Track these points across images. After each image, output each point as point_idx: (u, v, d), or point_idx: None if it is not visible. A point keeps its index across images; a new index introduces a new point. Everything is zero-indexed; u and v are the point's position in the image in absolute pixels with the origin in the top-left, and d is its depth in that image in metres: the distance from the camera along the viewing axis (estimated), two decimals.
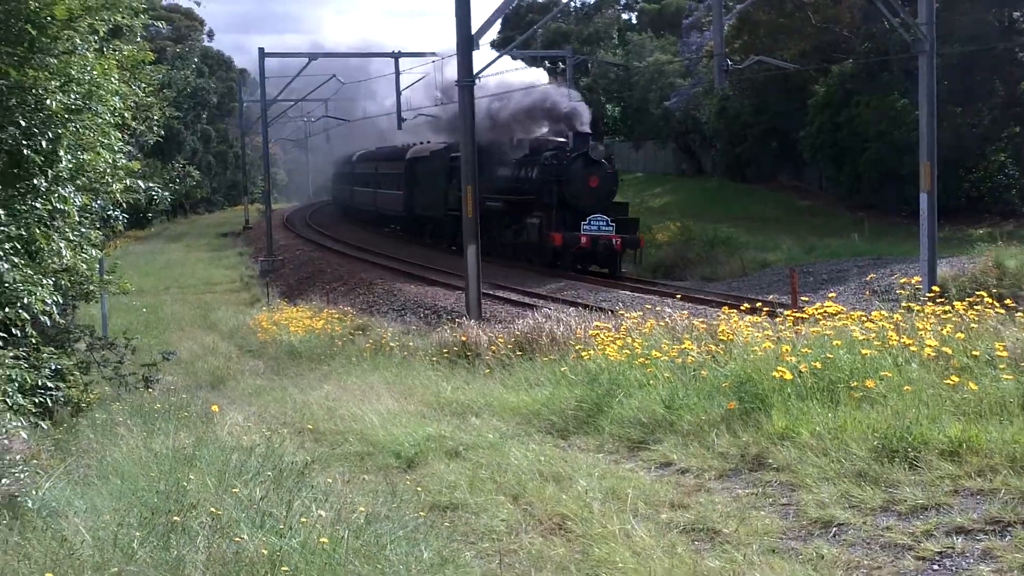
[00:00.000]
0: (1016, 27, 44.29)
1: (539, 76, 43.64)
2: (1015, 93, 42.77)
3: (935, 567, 5.86)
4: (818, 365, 9.18)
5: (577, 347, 13.05)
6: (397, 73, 45.67)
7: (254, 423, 11.65)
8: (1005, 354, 8.60)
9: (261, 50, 47.94)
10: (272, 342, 22.01)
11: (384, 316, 25.71)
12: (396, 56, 46.03)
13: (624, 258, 35.12)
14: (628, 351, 11.63)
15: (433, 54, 44.47)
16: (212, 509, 7.13)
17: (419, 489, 8.59)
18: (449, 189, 41.77)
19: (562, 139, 37.79)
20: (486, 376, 13.59)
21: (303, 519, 7.10)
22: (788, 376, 8.98)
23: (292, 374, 17.00)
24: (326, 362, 17.53)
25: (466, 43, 22.84)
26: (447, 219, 42.98)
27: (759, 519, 6.93)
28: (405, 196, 49.56)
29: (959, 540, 6.07)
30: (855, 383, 8.65)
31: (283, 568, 6.23)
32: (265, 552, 6.39)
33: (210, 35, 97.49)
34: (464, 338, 16.30)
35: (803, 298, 13.93)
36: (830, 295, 12.68)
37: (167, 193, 15.57)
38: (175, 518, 6.97)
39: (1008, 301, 10.72)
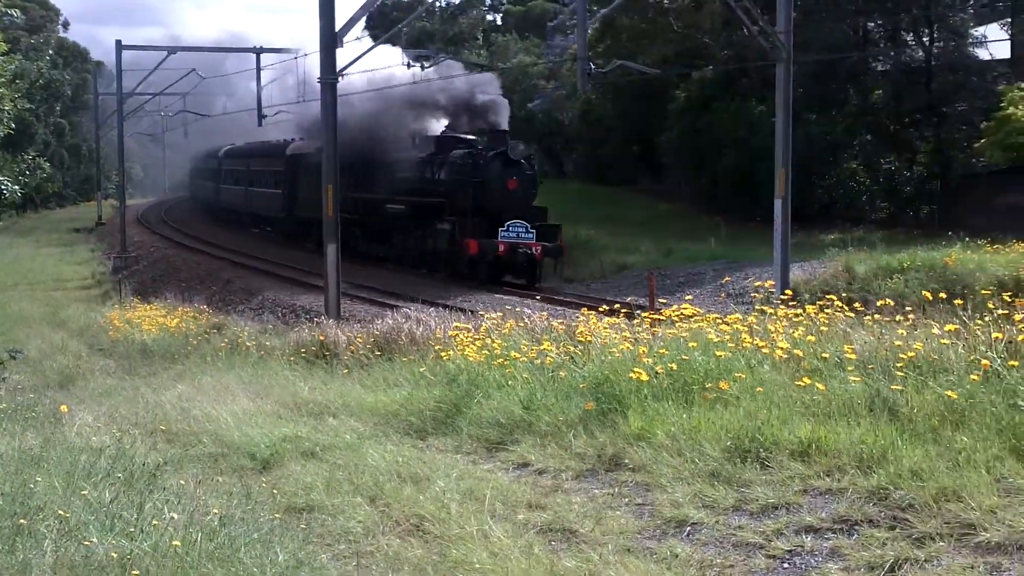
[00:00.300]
0: (869, 37, 45.57)
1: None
2: (867, 102, 44.01)
3: (785, 565, 5.97)
4: (674, 367, 9.29)
5: (436, 347, 13.02)
6: (258, 69, 45.08)
7: (104, 424, 11.35)
8: (853, 356, 8.80)
9: (118, 42, 47.02)
10: (124, 341, 21.51)
11: (241, 315, 25.36)
12: (257, 52, 45.45)
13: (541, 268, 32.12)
14: (487, 352, 11.63)
15: (296, 50, 43.76)
16: (60, 512, 6.91)
17: (274, 491, 8.46)
18: (343, 189, 39.10)
19: (471, 136, 35.42)
20: (344, 376, 13.47)
21: (155, 522, 6.92)
22: (644, 377, 9.07)
23: (145, 373, 16.64)
24: (180, 361, 17.22)
25: (329, 40, 22.67)
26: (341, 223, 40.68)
27: (615, 519, 6.98)
28: (285, 196, 46.63)
29: (808, 539, 6.19)
30: (709, 384, 8.78)
31: (134, 572, 6.07)
32: (115, 556, 6.22)
33: (65, 26, 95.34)
34: (322, 338, 16.15)
35: (660, 300, 14.12)
36: (687, 297, 12.89)
37: (17, 187, 15.13)
38: (21, 521, 6.74)
39: (857, 305, 10.99)
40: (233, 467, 9.50)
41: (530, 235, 30.94)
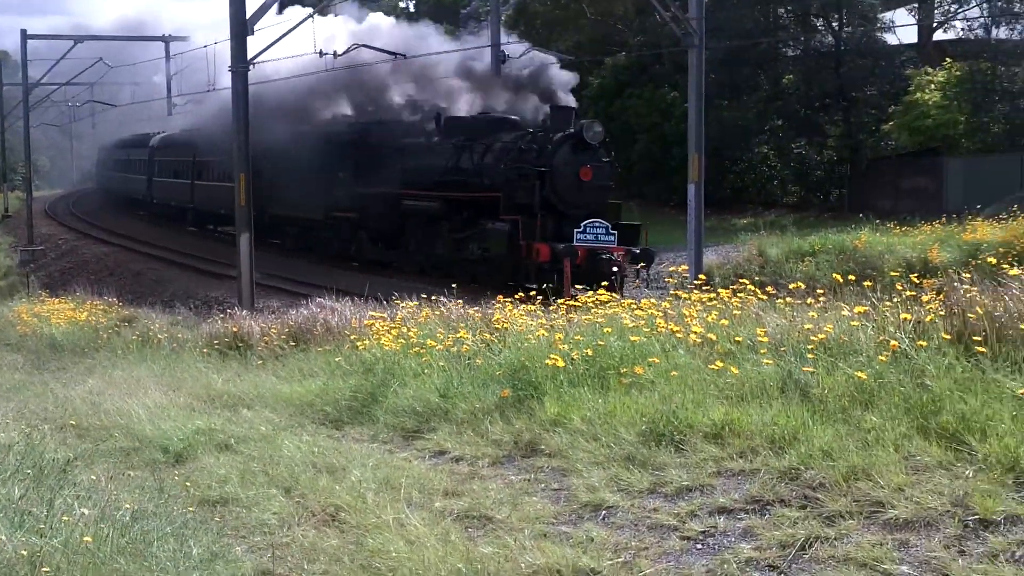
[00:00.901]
0: (780, 23, 46.10)
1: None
2: (778, 87, 44.55)
3: (699, 546, 6.02)
4: (589, 352, 9.32)
5: (352, 337, 12.96)
6: (168, 58, 44.50)
7: (12, 419, 11.16)
8: (766, 339, 8.89)
9: (23, 32, 46.31)
10: (33, 335, 21.18)
11: (153, 307, 25.02)
12: (167, 40, 44.86)
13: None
14: (403, 340, 11.60)
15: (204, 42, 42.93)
16: None
17: (188, 484, 8.38)
18: (336, 182, 33.42)
19: (512, 116, 29.26)
20: (259, 367, 13.37)
21: (65, 518, 6.81)
22: (560, 363, 9.10)
23: (54, 368, 16.40)
24: (90, 355, 16.99)
25: (240, 27, 22.41)
26: (328, 222, 34.62)
27: (531, 504, 7.00)
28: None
29: (721, 519, 6.25)
30: (624, 369, 8.82)
31: (44, 569, 5.97)
32: (25, 553, 6.10)
33: None
34: (235, 329, 16.00)
35: (576, 286, 14.17)
36: (603, 283, 12.94)
37: None
38: None
39: (769, 288, 11.10)
40: (145, 461, 9.40)
41: (611, 237, 24.83)
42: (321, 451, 8.80)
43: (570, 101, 28.03)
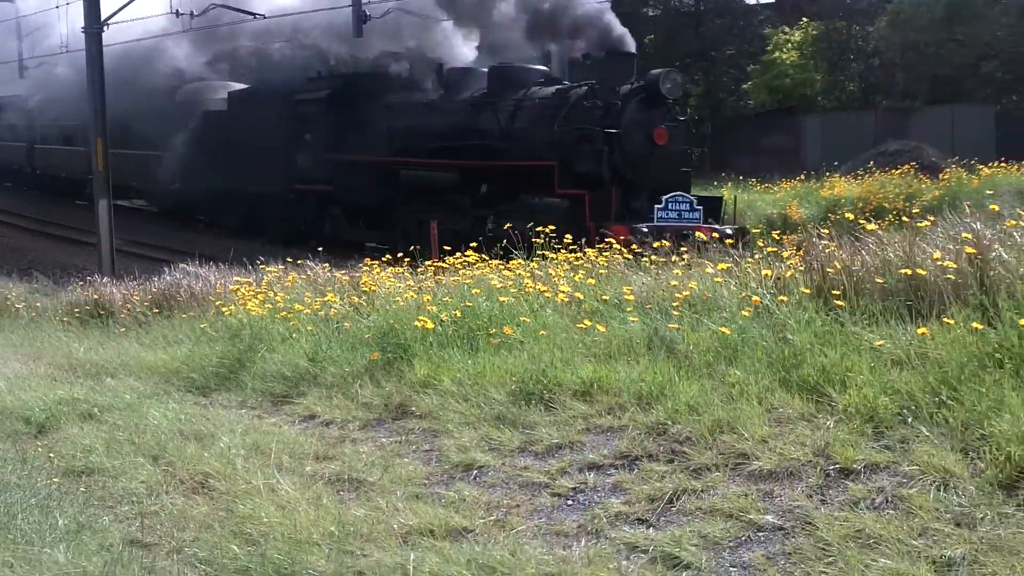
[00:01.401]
0: None
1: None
2: (640, 48, 44.86)
3: (569, 502, 6.10)
4: (458, 314, 9.35)
5: (217, 303, 12.79)
6: (18, 18, 43.17)
7: None
8: (632, 297, 9.01)
9: None
10: None
11: (8, 276, 24.34)
12: None
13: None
14: (270, 305, 11.49)
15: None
16: None
17: (51, 455, 8.21)
18: (301, 150, 28.07)
19: (541, 67, 24.66)
20: (122, 335, 13.11)
21: None
22: (430, 325, 9.10)
23: None
24: None
25: None
26: (289, 198, 28.66)
27: (403, 466, 7.01)
28: (179, 168, 33.84)
29: (591, 476, 6.33)
30: (493, 330, 8.87)
31: None
32: None
33: None
34: (97, 297, 15.67)
35: (445, 248, 14.18)
36: (472, 245, 12.97)
37: None
38: None
39: (635, 247, 11.26)
40: (6, 432, 9.16)
41: (696, 214, 19.79)
42: (188, 418, 8.69)
43: (629, 45, 22.12)
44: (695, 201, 19.80)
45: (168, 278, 15.61)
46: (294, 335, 10.41)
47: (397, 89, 26.20)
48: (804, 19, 42.75)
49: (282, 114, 28.43)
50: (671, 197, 19.49)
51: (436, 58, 26.31)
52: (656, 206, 19.46)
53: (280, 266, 14.21)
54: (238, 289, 12.82)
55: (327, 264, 13.74)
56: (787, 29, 42.06)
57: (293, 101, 28.34)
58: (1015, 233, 7.82)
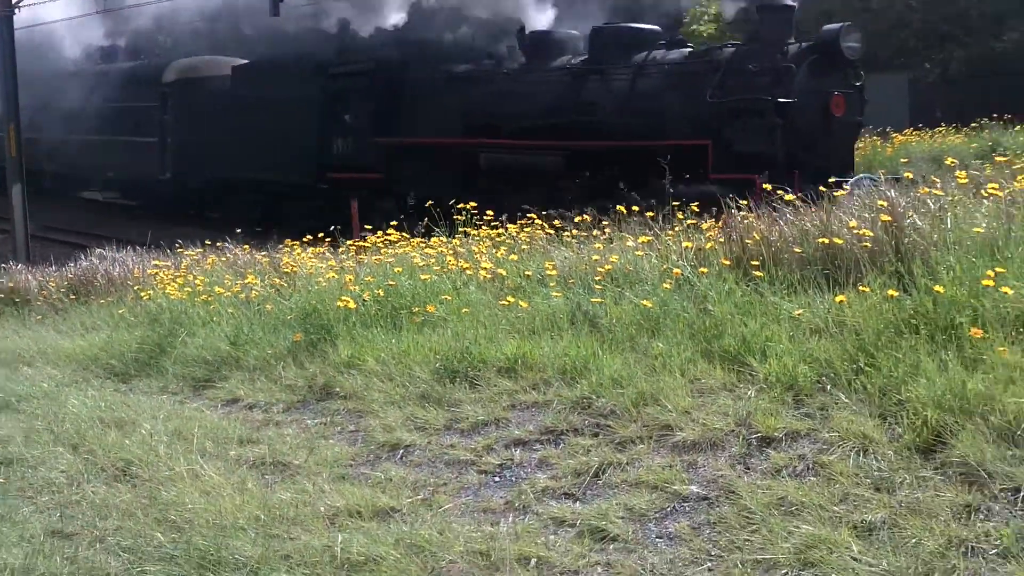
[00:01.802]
0: None
1: None
2: None
3: (496, 479, 6.11)
4: (381, 293, 9.31)
5: (136, 288, 12.62)
6: None
7: None
8: (555, 273, 9.04)
9: None
10: None
11: None
12: None
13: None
14: (190, 289, 11.37)
15: None
16: None
17: None
18: (337, 133, 23.93)
19: (646, 26, 20.17)
20: (38, 323, 12.91)
21: None
22: (352, 305, 9.06)
23: None
24: None
25: None
26: (321, 189, 24.26)
27: (328, 448, 6.97)
28: (169, 157, 29.46)
29: (517, 452, 6.35)
30: (417, 308, 8.85)
31: None
32: None
33: None
34: (11, 284, 15.40)
35: (366, 227, 14.01)
36: (392, 223, 12.89)
37: None
38: None
39: (556, 222, 11.27)
40: None
41: None
42: (108, 406, 8.57)
43: None
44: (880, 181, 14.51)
45: (85, 264, 15.37)
46: (215, 319, 10.31)
47: (464, 57, 22.09)
48: None
49: (308, 91, 24.47)
50: (858, 180, 14.95)
51: (515, 19, 21.97)
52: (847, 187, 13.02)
53: (199, 249, 14.05)
54: (156, 273, 12.67)
55: (247, 246, 13.62)
56: (704, 2, 42.29)
57: (324, 76, 24.43)
58: (928, 201, 7.94)
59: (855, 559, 4.57)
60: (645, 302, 7.59)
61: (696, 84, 17.55)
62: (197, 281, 11.60)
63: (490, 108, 20.64)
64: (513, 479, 6.06)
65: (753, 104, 16.77)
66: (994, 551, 4.48)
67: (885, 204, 7.73)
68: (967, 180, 8.55)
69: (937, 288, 6.30)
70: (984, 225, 7.33)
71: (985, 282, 6.16)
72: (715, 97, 17.10)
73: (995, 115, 28.11)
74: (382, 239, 11.99)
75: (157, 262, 14.08)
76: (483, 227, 11.44)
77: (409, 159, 22.35)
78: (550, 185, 19.01)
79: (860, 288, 6.85)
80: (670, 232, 9.41)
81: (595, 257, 9.10)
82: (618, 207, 10.58)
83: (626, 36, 19.54)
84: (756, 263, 7.81)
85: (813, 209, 8.43)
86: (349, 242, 12.61)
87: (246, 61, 28.60)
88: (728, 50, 17.93)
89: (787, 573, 4.62)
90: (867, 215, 7.92)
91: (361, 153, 23.21)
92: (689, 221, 9.51)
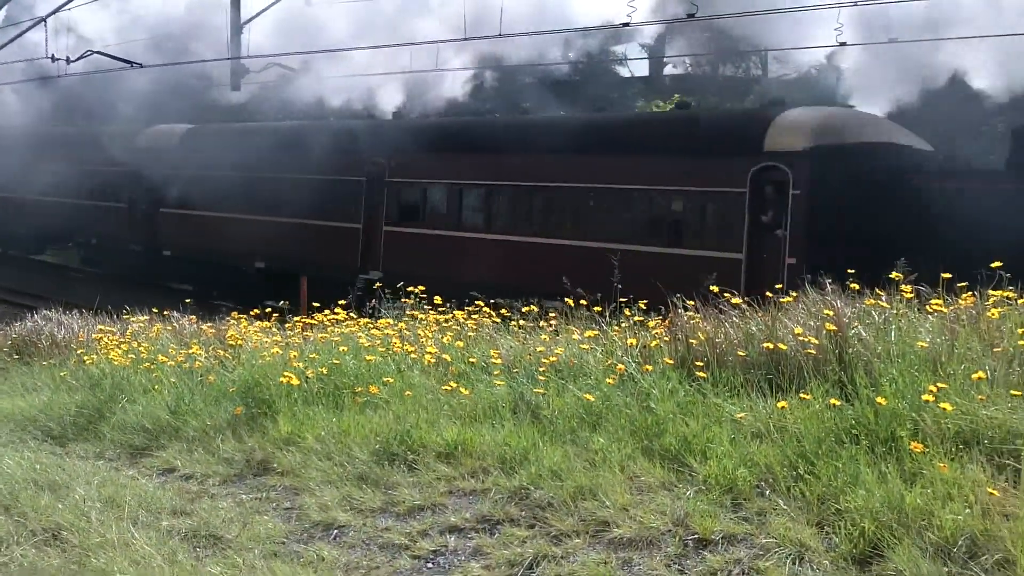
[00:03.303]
0: None
1: None
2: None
3: (429, 565, 6.09)
4: (324, 371, 9.29)
5: (79, 351, 12.51)
6: None
7: None
8: (499, 361, 9.06)
9: None
10: None
11: None
12: None
13: None
14: (133, 356, 11.28)
15: None
16: None
17: None
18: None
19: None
20: None
21: None
22: (295, 381, 9.03)
23: None
24: None
25: None
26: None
27: (262, 523, 6.92)
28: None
29: (452, 538, 6.33)
30: (359, 388, 8.83)
31: None
32: None
33: None
34: None
35: (314, 304, 14.00)
36: (341, 302, 12.87)
37: None
38: None
39: (504, 311, 11.31)
40: None
41: None
42: (43, 468, 8.46)
43: None
44: None
45: (29, 324, 15.22)
46: (156, 387, 10.22)
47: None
48: (676, 95, 43.64)
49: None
50: None
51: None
52: None
53: (145, 317, 13.95)
54: (101, 338, 12.56)
55: (194, 316, 13.54)
56: (660, 103, 42.94)
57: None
58: (873, 312, 8.06)
59: None
60: (588, 396, 7.63)
61: None
62: (141, 348, 11.51)
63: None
64: (447, 566, 6.04)
65: None
66: None
67: (831, 313, 7.84)
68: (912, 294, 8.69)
69: (879, 399, 6.39)
70: (928, 340, 7.45)
71: (926, 397, 6.24)
72: None
73: None
74: (329, 317, 11.96)
75: (102, 327, 13.96)
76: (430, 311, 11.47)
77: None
78: None
79: (802, 395, 6.93)
80: (616, 328, 9.47)
81: (540, 348, 9.15)
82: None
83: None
84: (700, 364, 7.88)
85: (759, 313, 8.53)
86: (297, 318, 12.58)
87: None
88: None
89: None
90: (812, 323, 8.03)
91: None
92: (636, 318, 9.58)
